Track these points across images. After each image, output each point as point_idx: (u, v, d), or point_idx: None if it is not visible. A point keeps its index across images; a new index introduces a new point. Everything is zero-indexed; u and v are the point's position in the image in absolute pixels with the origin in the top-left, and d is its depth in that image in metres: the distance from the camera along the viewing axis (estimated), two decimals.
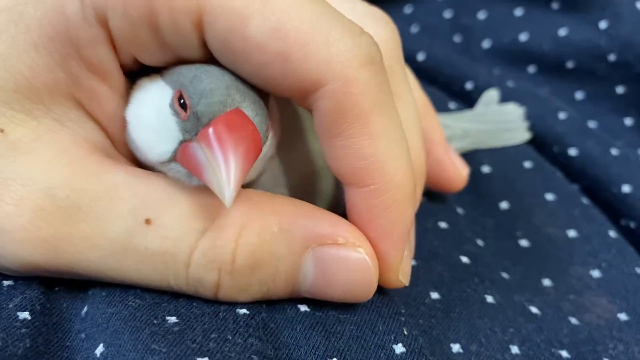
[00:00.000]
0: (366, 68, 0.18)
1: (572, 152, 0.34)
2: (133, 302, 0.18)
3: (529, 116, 0.35)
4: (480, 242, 0.28)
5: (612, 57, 0.37)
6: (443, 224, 0.27)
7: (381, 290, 0.21)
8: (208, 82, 0.18)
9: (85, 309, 0.19)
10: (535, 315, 0.24)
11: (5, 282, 0.19)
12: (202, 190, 0.18)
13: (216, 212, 0.18)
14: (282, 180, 0.21)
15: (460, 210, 0.29)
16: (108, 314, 0.18)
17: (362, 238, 0.19)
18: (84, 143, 0.19)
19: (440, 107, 0.35)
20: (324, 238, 0.19)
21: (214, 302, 0.19)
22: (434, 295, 0.22)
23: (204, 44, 0.18)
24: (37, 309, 0.18)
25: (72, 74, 0.18)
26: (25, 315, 0.18)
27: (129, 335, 0.17)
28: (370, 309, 0.20)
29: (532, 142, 0.35)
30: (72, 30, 0.18)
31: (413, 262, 0.24)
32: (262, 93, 0.19)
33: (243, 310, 0.19)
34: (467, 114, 0.35)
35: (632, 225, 0.31)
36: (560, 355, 0.22)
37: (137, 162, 0.20)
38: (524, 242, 0.29)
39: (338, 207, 0.22)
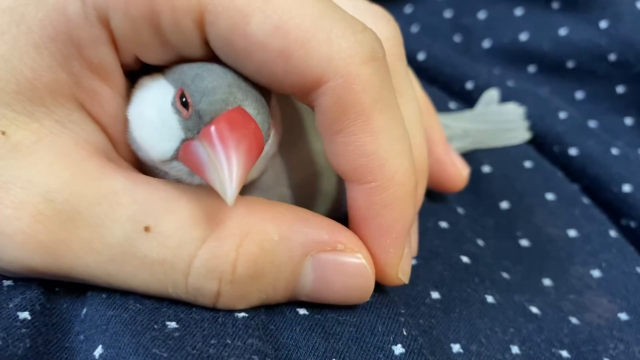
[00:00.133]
0: (368, 65, 0.18)
1: (573, 151, 0.34)
2: (133, 306, 0.18)
3: (529, 116, 0.35)
4: (480, 242, 0.28)
5: (612, 57, 0.37)
6: (443, 224, 0.27)
7: (381, 290, 0.21)
8: (210, 80, 0.18)
9: (84, 310, 0.19)
10: (535, 315, 0.24)
11: (6, 282, 0.19)
12: (202, 197, 0.18)
13: (216, 220, 0.18)
14: (284, 179, 0.21)
15: (460, 210, 0.29)
16: (108, 316, 0.18)
17: (360, 244, 0.19)
18: (85, 145, 0.19)
19: (441, 107, 0.35)
20: (323, 245, 0.19)
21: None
22: (435, 295, 0.22)
23: (206, 43, 0.18)
24: (37, 309, 0.18)
25: (73, 75, 0.18)
26: (25, 315, 0.18)
27: (130, 338, 0.17)
28: (370, 311, 0.20)
29: (532, 141, 0.35)
30: (73, 30, 0.18)
31: (413, 262, 0.24)
32: (264, 91, 0.19)
33: (242, 314, 0.19)
34: (468, 113, 0.35)
35: (633, 224, 0.31)
36: (560, 355, 0.22)
37: (139, 163, 0.20)
38: (524, 242, 0.29)
39: (340, 206, 0.23)
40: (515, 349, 0.21)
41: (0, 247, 0.18)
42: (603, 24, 0.37)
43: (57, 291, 0.20)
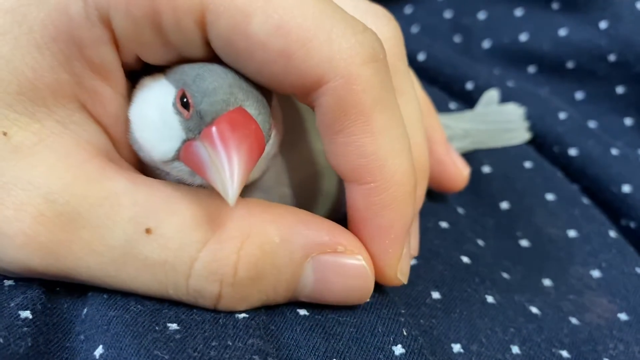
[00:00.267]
0: (369, 65, 0.18)
1: (572, 152, 0.34)
2: (134, 307, 0.18)
3: (529, 116, 0.35)
4: (480, 242, 0.28)
5: (612, 57, 0.37)
6: (444, 224, 0.27)
7: (381, 291, 0.21)
8: (211, 80, 0.18)
9: (85, 310, 0.19)
10: (535, 315, 0.24)
11: (7, 282, 0.19)
12: (203, 198, 0.18)
13: (217, 222, 0.18)
14: (285, 179, 0.21)
15: (460, 210, 0.29)
16: (109, 316, 0.18)
17: (360, 245, 0.19)
18: (87, 146, 0.19)
19: (441, 108, 0.35)
20: (324, 246, 0.19)
21: None
22: (435, 295, 0.22)
23: (207, 43, 0.18)
24: (39, 308, 0.18)
25: (75, 75, 0.18)
26: (26, 314, 0.18)
27: (131, 339, 0.17)
28: (370, 311, 0.20)
29: (532, 142, 0.35)
30: (75, 30, 0.18)
31: (414, 261, 0.24)
32: (265, 91, 0.19)
33: (242, 315, 0.19)
34: (468, 114, 0.35)
35: (632, 225, 0.31)
36: (560, 355, 0.22)
37: (140, 163, 0.20)
38: (524, 242, 0.29)
39: (341, 206, 0.23)
40: (515, 349, 0.21)
41: (1, 248, 0.18)
42: (603, 25, 0.37)
43: (58, 291, 0.20)
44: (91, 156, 0.19)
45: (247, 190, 0.20)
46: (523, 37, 0.40)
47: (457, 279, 0.24)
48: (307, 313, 0.20)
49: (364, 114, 0.18)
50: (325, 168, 0.22)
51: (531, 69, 0.40)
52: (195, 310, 0.19)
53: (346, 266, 0.19)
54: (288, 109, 0.21)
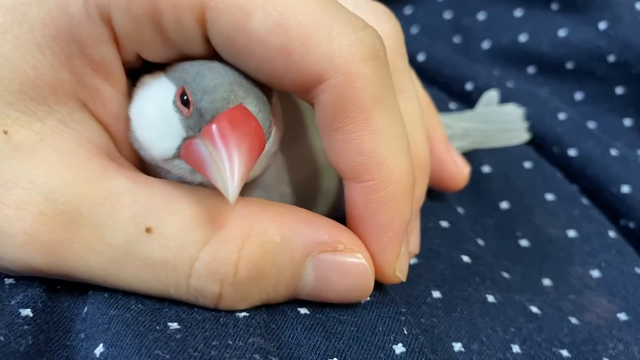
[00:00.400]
0: (369, 63, 0.18)
1: (572, 152, 0.34)
2: (135, 306, 0.18)
3: (528, 117, 0.36)
4: (480, 242, 0.28)
5: (611, 58, 0.37)
6: (444, 223, 0.27)
7: (382, 289, 0.21)
8: (211, 78, 0.18)
9: (85, 309, 0.19)
10: (535, 314, 0.24)
11: (7, 280, 0.19)
12: (204, 198, 0.18)
13: (218, 221, 0.18)
14: (285, 176, 0.21)
15: (460, 210, 0.29)
16: (110, 315, 0.18)
17: (360, 243, 0.20)
18: (88, 145, 0.19)
19: (441, 108, 0.35)
20: (324, 245, 0.19)
21: None
22: (436, 294, 0.22)
23: (207, 40, 0.18)
24: (39, 306, 0.18)
25: (76, 73, 0.18)
26: (27, 312, 0.18)
27: (132, 338, 0.17)
28: (370, 310, 0.20)
29: (531, 142, 0.35)
30: (75, 28, 0.18)
31: (415, 261, 0.24)
32: (266, 89, 0.19)
33: (243, 314, 0.19)
34: (468, 114, 0.36)
35: (632, 225, 0.31)
36: (560, 355, 0.22)
37: (141, 162, 0.20)
38: (524, 242, 0.29)
39: (341, 204, 0.23)
40: (516, 348, 0.21)
41: (2, 247, 0.18)
42: (602, 25, 0.37)
43: (59, 289, 0.20)
44: (92, 155, 0.19)
45: (247, 188, 0.20)
46: (522, 38, 0.40)
47: (458, 278, 0.24)
48: (307, 312, 0.20)
49: (363, 111, 0.18)
50: (326, 166, 0.22)
51: (531, 70, 0.40)
52: (195, 309, 0.19)
53: (346, 264, 0.19)
54: (288, 107, 0.21)
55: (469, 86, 0.38)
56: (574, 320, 0.25)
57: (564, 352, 0.22)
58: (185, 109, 0.18)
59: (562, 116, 0.35)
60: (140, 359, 0.17)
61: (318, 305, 0.20)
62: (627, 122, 0.37)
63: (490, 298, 0.23)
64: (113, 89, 0.19)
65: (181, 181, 0.19)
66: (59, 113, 0.18)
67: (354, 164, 0.19)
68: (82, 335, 0.18)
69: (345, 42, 0.17)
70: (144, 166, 0.20)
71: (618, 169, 0.32)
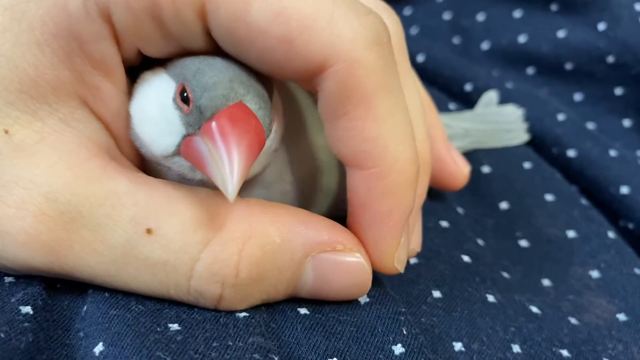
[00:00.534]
0: (372, 49, 0.17)
1: (571, 153, 0.34)
2: (135, 307, 0.18)
3: (528, 118, 0.36)
4: (480, 242, 0.28)
5: (610, 59, 0.37)
6: (444, 223, 0.27)
7: (382, 289, 0.21)
8: (211, 75, 0.18)
9: (85, 307, 0.19)
10: (535, 314, 0.24)
11: (7, 279, 0.19)
12: (204, 199, 0.18)
13: (218, 223, 0.18)
14: (286, 174, 0.21)
15: (460, 210, 0.29)
16: (110, 315, 0.18)
17: (358, 242, 0.20)
18: (88, 144, 0.19)
19: (440, 109, 0.35)
20: (324, 245, 0.19)
21: None
22: (436, 293, 0.22)
23: (208, 33, 0.18)
24: (39, 304, 0.18)
25: (76, 71, 0.18)
26: (27, 309, 0.18)
27: (133, 339, 0.17)
28: (370, 311, 0.20)
29: (531, 143, 0.35)
30: (75, 26, 0.18)
31: (415, 260, 0.24)
32: (267, 86, 0.19)
33: (243, 314, 0.19)
34: (467, 114, 0.36)
35: (631, 226, 0.31)
36: (561, 355, 0.22)
37: (141, 159, 0.20)
38: (523, 243, 0.29)
39: (342, 202, 0.22)
40: (516, 348, 0.21)
41: (2, 246, 0.18)
42: (601, 26, 0.37)
43: (59, 288, 0.20)
44: (92, 154, 0.18)
45: (247, 186, 0.20)
46: (522, 39, 0.40)
47: (458, 278, 0.24)
48: (307, 312, 0.20)
49: (366, 98, 0.18)
50: (327, 164, 0.22)
51: (530, 71, 0.40)
52: (196, 310, 0.19)
53: (345, 264, 0.19)
54: (289, 104, 0.21)
55: (468, 87, 0.38)
56: (573, 320, 0.25)
57: (564, 352, 0.22)
58: (185, 106, 0.18)
59: (561, 117, 0.35)
60: (141, 359, 0.17)
61: (318, 305, 0.20)
62: (627, 122, 0.37)
63: (491, 298, 0.23)
64: (113, 86, 0.19)
65: (181, 178, 0.19)
66: (60, 112, 0.18)
67: (358, 152, 0.18)
68: (82, 334, 0.18)
69: (348, 28, 0.17)
70: (145, 164, 0.20)
71: (617, 170, 0.32)
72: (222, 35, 0.18)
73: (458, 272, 0.24)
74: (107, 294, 0.19)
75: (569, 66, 0.38)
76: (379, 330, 0.19)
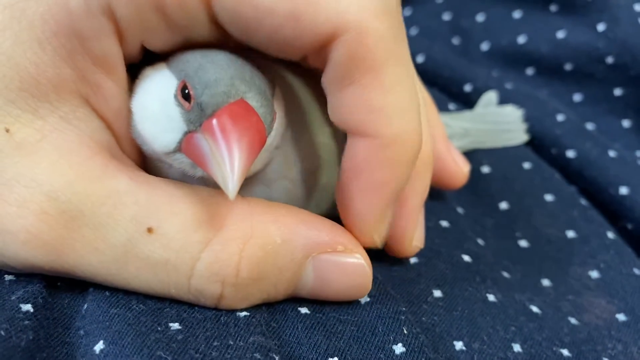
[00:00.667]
0: (381, 18, 0.17)
1: (570, 154, 0.34)
2: (136, 306, 0.18)
3: (527, 118, 0.36)
4: (480, 242, 0.28)
5: (610, 60, 0.37)
6: (444, 223, 0.27)
7: (383, 289, 0.21)
8: (213, 72, 0.18)
9: (85, 306, 0.19)
10: (536, 314, 0.24)
11: (7, 277, 0.19)
12: (205, 198, 0.18)
13: (219, 222, 0.18)
14: (287, 171, 0.21)
15: (460, 210, 0.29)
16: (111, 314, 0.18)
17: (358, 244, 0.20)
18: (90, 142, 0.19)
19: (440, 109, 0.35)
20: (324, 246, 0.19)
21: None
22: (437, 293, 0.22)
23: (213, 20, 0.18)
24: (40, 302, 0.18)
25: (78, 69, 0.18)
26: (28, 307, 0.18)
27: (133, 338, 0.17)
28: (370, 310, 0.20)
29: (530, 144, 0.35)
30: (76, 23, 0.18)
31: (415, 260, 0.24)
32: (268, 83, 0.19)
33: (243, 313, 0.19)
34: (467, 113, 0.36)
35: (630, 226, 0.31)
36: (561, 354, 0.22)
37: (143, 157, 0.20)
38: (523, 243, 0.29)
39: None
40: (517, 347, 0.21)
41: (4, 245, 0.18)
42: (601, 27, 0.37)
43: (59, 286, 0.20)
44: (94, 153, 0.18)
45: (248, 183, 0.20)
46: (521, 39, 0.40)
47: (459, 277, 0.24)
48: (308, 311, 0.20)
49: (375, 67, 0.18)
50: (328, 162, 0.22)
51: (529, 71, 0.40)
52: (197, 309, 0.19)
53: (345, 265, 0.19)
54: (291, 101, 0.21)
55: (467, 87, 0.38)
56: (573, 320, 0.25)
57: (565, 352, 0.22)
58: (186, 103, 0.18)
59: (560, 117, 0.35)
60: (142, 359, 0.17)
61: (318, 304, 0.20)
62: (626, 123, 0.37)
63: (491, 297, 0.23)
64: (115, 84, 0.19)
65: (183, 175, 0.19)
66: (61, 110, 0.18)
67: (362, 120, 0.18)
68: (82, 332, 0.18)
69: None
70: (146, 161, 0.20)
71: (616, 171, 0.32)
72: (228, 20, 0.18)
73: (458, 271, 0.24)
74: (107, 293, 0.19)
75: (568, 67, 0.38)
76: (380, 329, 0.19)
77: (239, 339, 0.18)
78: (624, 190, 0.32)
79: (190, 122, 0.18)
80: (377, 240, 0.20)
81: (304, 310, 0.20)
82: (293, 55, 0.18)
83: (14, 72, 0.18)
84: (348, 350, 0.19)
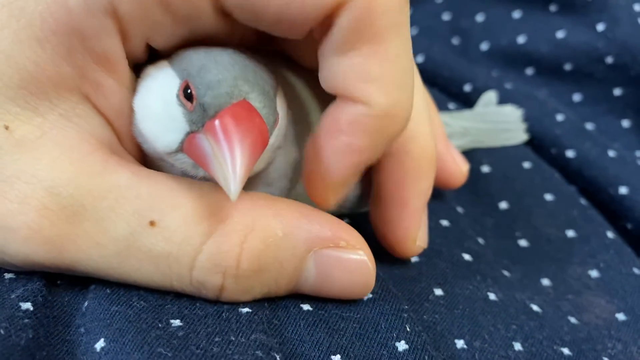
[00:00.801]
0: None
1: (570, 154, 0.34)
2: (137, 303, 0.18)
3: (526, 118, 0.36)
4: (481, 241, 0.28)
5: (609, 60, 0.37)
6: (445, 222, 0.27)
7: (384, 287, 0.21)
8: (215, 72, 0.18)
9: (85, 303, 0.19)
10: (536, 313, 0.24)
11: (7, 275, 0.19)
12: (207, 192, 0.18)
13: (221, 215, 0.18)
14: (289, 172, 0.21)
15: (460, 210, 0.29)
16: (112, 311, 0.18)
17: (362, 240, 0.19)
18: (90, 139, 0.19)
19: (440, 109, 0.35)
20: (326, 241, 0.19)
21: (216, 301, 0.19)
22: (438, 291, 0.22)
23: (219, 9, 0.18)
24: (39, 300, 0.18)
25: (77, 67, 0.18)
26: (27, 305, 0.18)
27: (134, 335, 0.17)
28: (373, 307, 0.20)
29: (530, 143, 0.35)
30: (75, 22, 0.17)
31: (416, 259, 0.24)
32: (271, 83, 0.19)
33: (246, 309, 0.19)
34: (467, 113, 0.36)
35: (629, 226, 0.31)
36: (562, 353, 0.22)
37: (144, 156, 0.20)
38: (523, 242, 0.29)
39: (344, 201, 0.22)
40: (517, 346, 0.21)
41: (4, 242, 0.18)
42: (600, 27, 0.37)
43: (59, 284, 0.20)
44: (94, 149, 0.18)
45: (251, 183, 0.20)
46: (521, 39, 0.40)
47: (459, 276, 0.24)
48: (310, 308, 0.20)
49: (378, 36, 0.18)
50: None
51: (529, 71, 0.40)
52: (198, 305, 0.19)
53: (348, 261, 0.19)
54: (293, 101, 0.21)
55: (467, 87, 0.38)
56: (573, 320, 0.25)
57: (565, 350, 0.22)
58: (188, 104, 0.18)
59: (560, 117, 0.35)
60: (143, 356, 0.17)
61: (321, 301, 0.20)
62: (625, 123, 0.37)
63: (492, 296, 0.23)
64: (116, 82, 0.19)
65: (184, 175, 0.19)
66: (61, 107, 0.18)
67: (356, 88, 0.18)
68: (82, 330, 0.18)
69: None
70: (147, 160, 0.20)
71: (616, 170, 0.32)
72: (236, 4, 0.18)
73: (459, 270, 0.24)
74: (108, 290, 0.19)
75: (568, 67, 0.38)
76: (382, 326, 0.19)
77: (240, 335, 0.18)
78: (623, 190, 0.32)
79: (192, 123, 0.18)
80: (332, 202, 0.20)
81: (306, 307, 0.20)
82: (300, 31, 0.18)
83: (13, 71, 0.18)
84: (351, 348, 0.19)
